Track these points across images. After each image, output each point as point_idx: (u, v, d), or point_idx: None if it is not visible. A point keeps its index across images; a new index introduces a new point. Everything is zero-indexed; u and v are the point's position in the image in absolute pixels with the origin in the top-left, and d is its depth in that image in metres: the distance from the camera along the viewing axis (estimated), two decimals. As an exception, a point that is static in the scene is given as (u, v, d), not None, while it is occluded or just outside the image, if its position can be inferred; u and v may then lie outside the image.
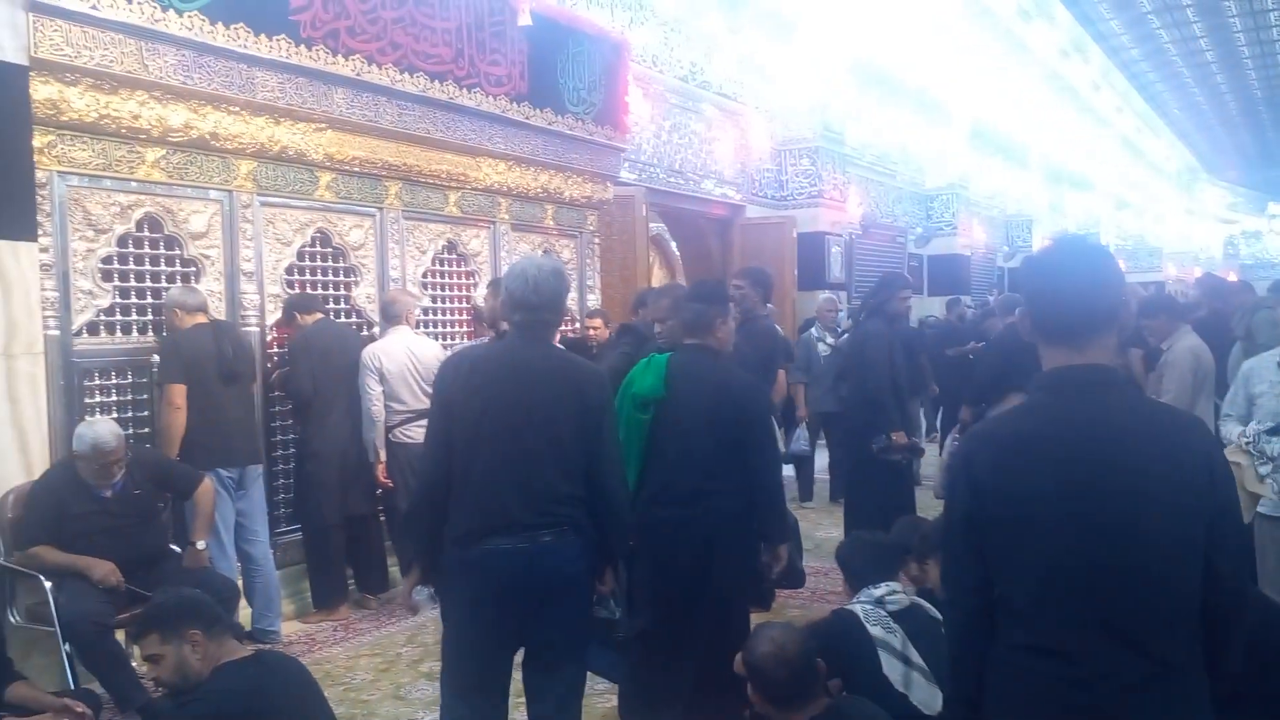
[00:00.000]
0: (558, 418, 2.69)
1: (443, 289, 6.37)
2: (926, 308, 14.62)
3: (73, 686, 3.76)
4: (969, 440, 1.87)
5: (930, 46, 12.67)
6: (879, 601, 2.95)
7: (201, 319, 4.59)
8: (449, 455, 2.72)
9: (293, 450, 5.33)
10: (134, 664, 4.03)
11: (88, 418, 4.17)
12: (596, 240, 7.67)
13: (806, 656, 2.60)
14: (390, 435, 5.18)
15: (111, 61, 4.25)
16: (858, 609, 2.96)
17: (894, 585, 3.02)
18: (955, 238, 15.73)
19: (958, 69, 13.78)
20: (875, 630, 2.86)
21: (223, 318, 4.84)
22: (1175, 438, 1.73)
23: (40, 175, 4.17)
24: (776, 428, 5.47)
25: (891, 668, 2.80)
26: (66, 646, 3.77)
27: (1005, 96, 15.89)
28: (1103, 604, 1.67)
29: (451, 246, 6.34)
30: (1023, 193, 18.90)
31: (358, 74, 5.29)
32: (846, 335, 7.49)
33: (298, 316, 5.09)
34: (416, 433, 4.98)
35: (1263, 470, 3.59)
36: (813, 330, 8.12)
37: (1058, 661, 1.68)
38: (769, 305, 5.97)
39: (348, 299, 5.66)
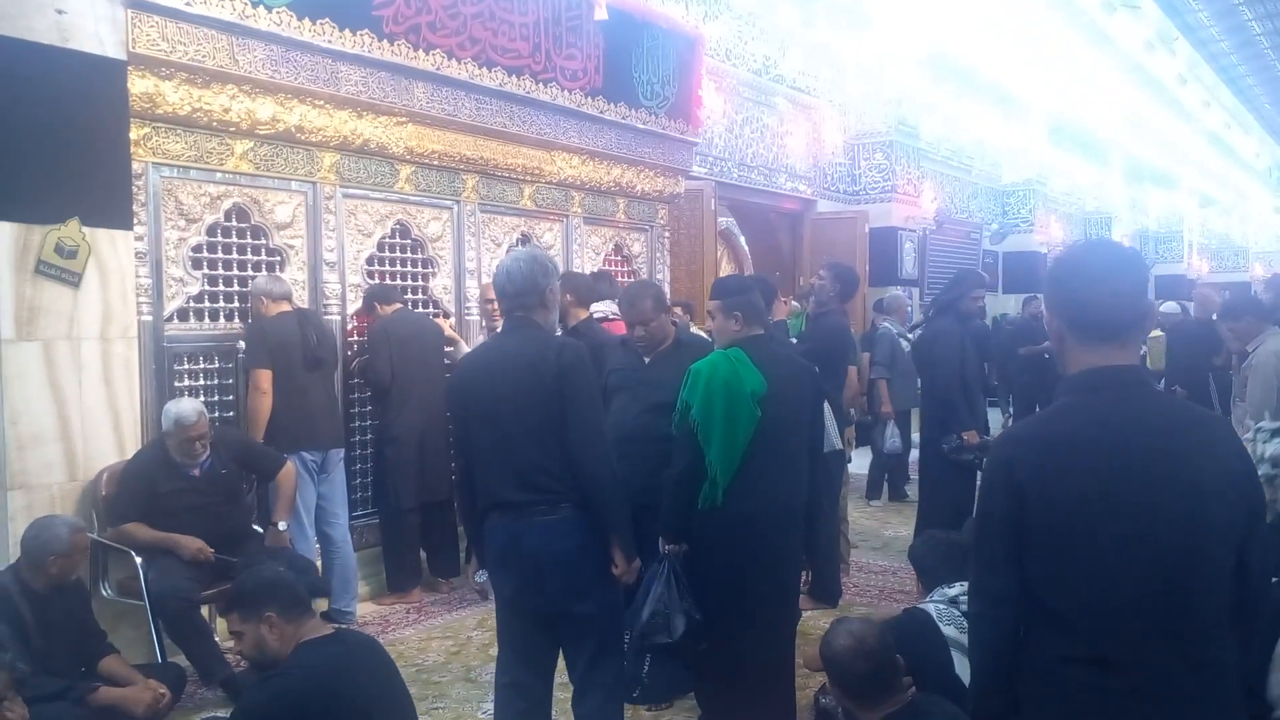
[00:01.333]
0: (524, 400, 2.79)
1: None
2: (1001, 305, 14.36)
3: (160, 659, 3.91)
4: (1007, 444, 1.82)
5: (1009, 39, 12.41)
6: (952, 601, 2.93)
7: (286, 307, 4.72)
8: (460, 443, 3.03)
9: (371, 436, 5.46)
10: (218, 639, 4.19)
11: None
12: (666, 234, 7.68)
13: (886, 651, 2.60)
14: None
15: (204, 56, 4.39)
16: (930, 608, 2.94)
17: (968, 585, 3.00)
18: (1032, 234, 15.40)
19: (1037, 62, 13.47)
20: (948, 630, 2.84)
21: (306, 306, 4.97)
22: (1214, 435, 1.73)
23: (136, 166, 4.33)
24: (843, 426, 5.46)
25: (964, 668, 2.78)
26: (155, 620, 3.93)
27: (1086, 90, 15.48)
28: (1157, 609, 1.64)
29: (526, 239, 6.40)
30: (1102, 189, 18.42)
31: (438, 68, 5.38)
32: (918, 331, 7.41)
33: (378, 306, 5.20)
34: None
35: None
36: (888, 324, 8.05)
37: (1107, 673, 1.65)
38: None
39: (425, 289, 5.77)
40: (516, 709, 2.95)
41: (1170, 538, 1.64)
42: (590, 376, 2.91)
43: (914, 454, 7.00)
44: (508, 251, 6.23)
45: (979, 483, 1.83)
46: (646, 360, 3.91)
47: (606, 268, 6.89)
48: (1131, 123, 18.00)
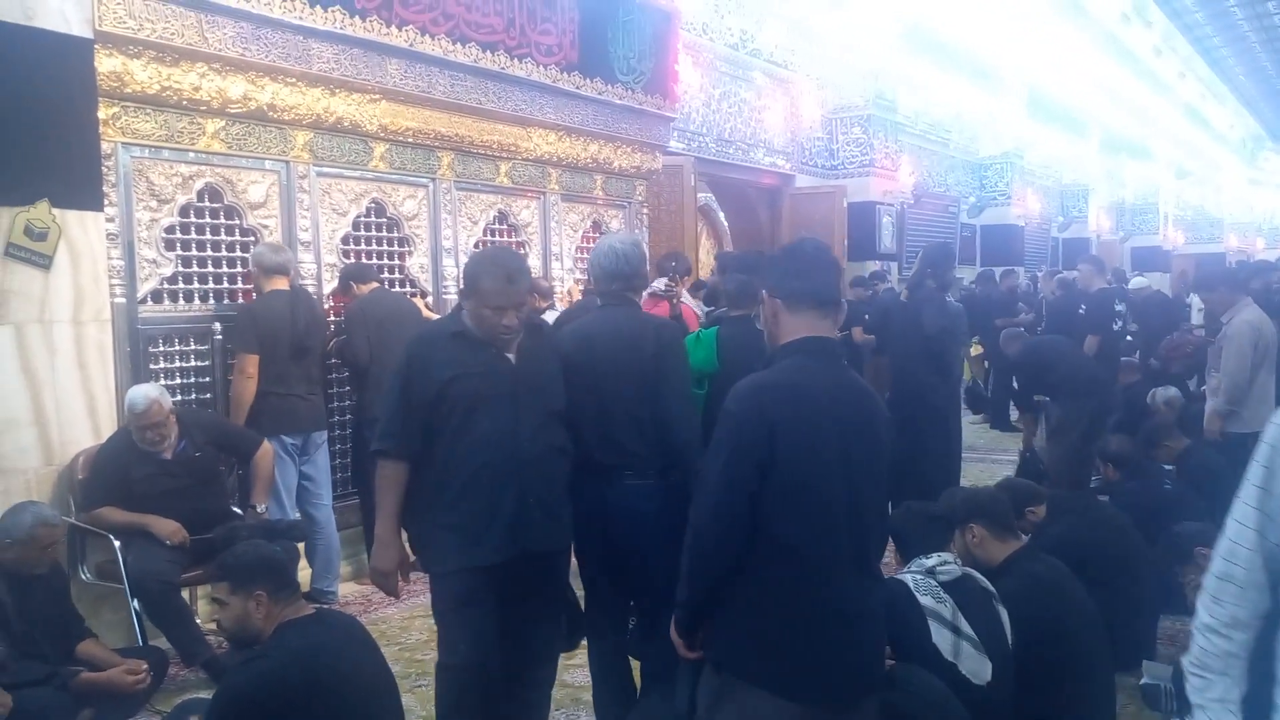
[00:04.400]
0: (622, 373, 2.98)
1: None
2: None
3: (140, 642, 3.90)
4: (756, 392, 2.12)
5: (986, 11, 12.39)
6: (930, 571, 2.96)
7: (281, 284, 4.67)
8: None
9: (350, 417, 5.43)
10: (199, 620, 4.18)
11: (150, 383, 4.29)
12: (645, 210, 7.66)
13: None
14: None
15: (173, 34, 4.33)
16: (908, 578, 2.96)
17: (945, 556, 3.03)
18: (1009, 208, 15.48)
19: (1014, 34, 13.46)
20: (925, 600, 2.87)
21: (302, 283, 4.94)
22: (870, 392, 2.25)
23: (105, 146, 4.27)
24: None
25: (941, 637, 2.81)
26: (135, 603, 3.90)
27: (1062, 63, 15.49)
28: (850, 529, 2.10)
29: (502, 217, 6.38)
30: (1079, 161, 18.49)
31: (411, 45, 5.32)
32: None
33: (354, 286, 5.16)
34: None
35: None
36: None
37: (814, 581, 2.08)
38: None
39: (402, 268, 5.73)
40: (600, 647, 3.19)
41: (864, 474, 2.12)
42: (685, 355, 3.16)
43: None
44: (485, 229, 6.21)
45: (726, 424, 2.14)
46: (510, 357, 2.92)
47: (584, 244, 6.88)
48: (1108, 95, 18.04)
